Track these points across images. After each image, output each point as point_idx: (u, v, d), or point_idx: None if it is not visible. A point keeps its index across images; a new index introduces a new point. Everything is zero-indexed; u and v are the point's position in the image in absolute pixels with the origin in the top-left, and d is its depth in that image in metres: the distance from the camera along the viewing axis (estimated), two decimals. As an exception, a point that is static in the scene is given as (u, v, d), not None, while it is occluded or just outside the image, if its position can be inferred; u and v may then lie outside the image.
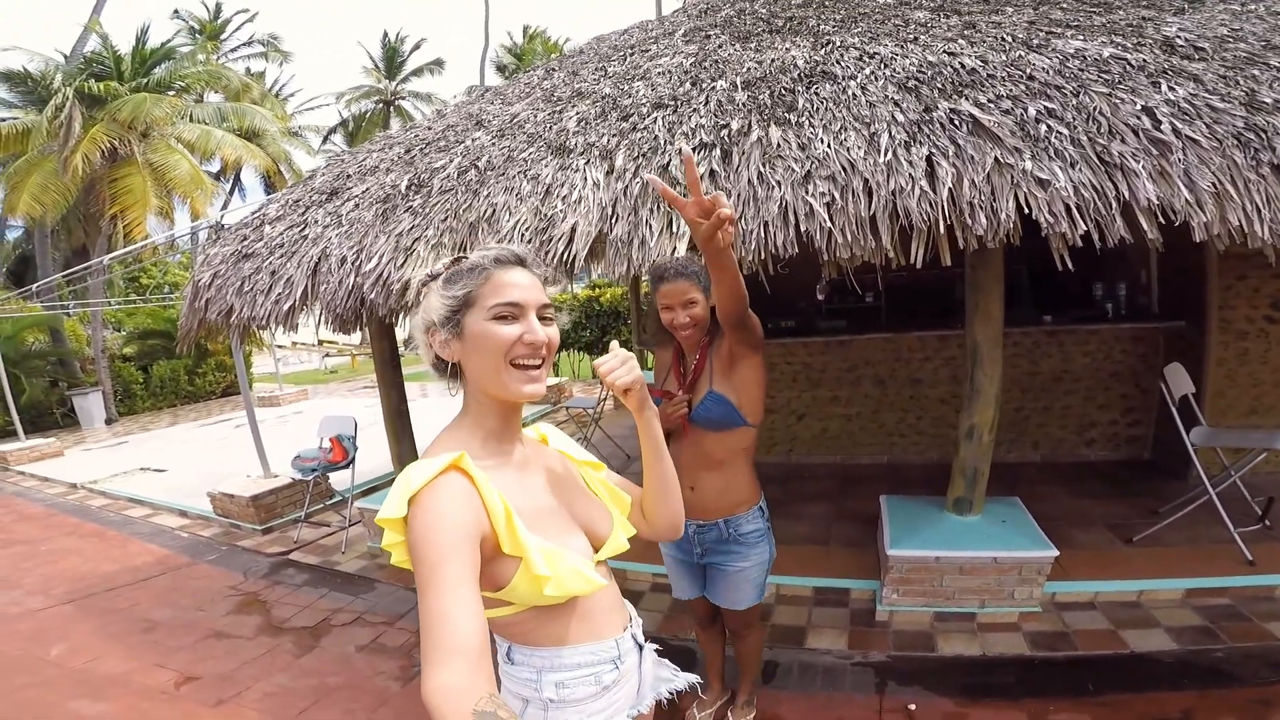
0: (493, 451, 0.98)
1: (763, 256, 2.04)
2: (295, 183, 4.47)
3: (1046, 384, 4.64)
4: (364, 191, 3.48)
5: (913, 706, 2.41)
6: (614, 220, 2.28)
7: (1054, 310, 4.62)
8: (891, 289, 5.60)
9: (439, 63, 20.66)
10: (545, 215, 2.43)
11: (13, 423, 8.08)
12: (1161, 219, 1.85)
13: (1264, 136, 1.92)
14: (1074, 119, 2.01)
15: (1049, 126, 1.98)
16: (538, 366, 0.95)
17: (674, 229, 2.14)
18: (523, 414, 1.07)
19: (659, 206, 2.22)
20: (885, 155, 2.01)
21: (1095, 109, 2.02)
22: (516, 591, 0.89)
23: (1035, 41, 2.50)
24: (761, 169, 2.16)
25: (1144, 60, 2.22)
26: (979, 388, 2.93)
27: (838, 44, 2.86)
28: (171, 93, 10.78)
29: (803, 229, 1.99)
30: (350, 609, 3.48)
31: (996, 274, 2.81)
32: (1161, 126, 1.92)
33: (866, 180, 1.99)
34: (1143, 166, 1.86)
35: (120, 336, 11.76)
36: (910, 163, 1.96)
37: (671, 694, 1.17)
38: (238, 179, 16.92)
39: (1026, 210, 1.83)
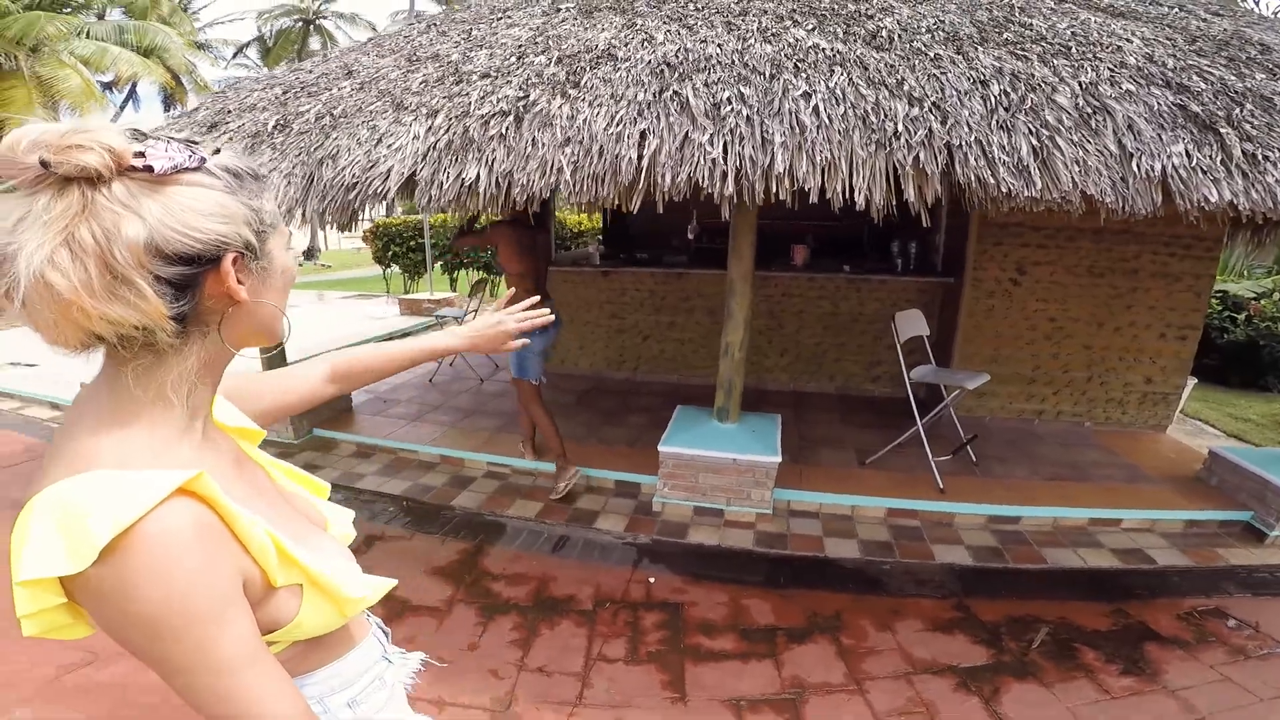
0: (212, 443, 0.71)
1: (526, 198, 2.74)
2: (180, 114, 4.81)
3: (845, 324, 5.55)
4: (239, 127, 3.94)
5: (652, 580, 2.95)
6: (422, 166, 2.93)
7: (855, 262, 5.54)
8: (761, 234, 6.33)
9: (363, -14, 19.85)
10: (372, 159, 3.04)
11: None
12: (790, 185, 2.62)
13: (882, 118, 2.66)
14: (758, 101, 2.72)
15: (733, 107, 2.70)
16: None
17: (463, 178, 2.81)
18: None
19: (456, 158, 2.88)
20: (616, 127, 2.72)
21: (776, 93, 2.75)
22: (302, 626, 0.70)
23: (772, 31, 3.16)
24: (536, 134, 2.84)
25: (837, 50, 2.94)
26: (732, 313, 3.68)
27: (638, 27, 3.44)
28: (68, 10, 10.45)
29: (551, 181, 2.70)
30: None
31: (749, 223, 3.58)
32: (803, 113, 2.65)
33: (603, 147, 2.71)
34: (784, 143, 2.61)
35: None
36: (630, 135, 2.69)
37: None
38: (133, 90, 16.27)
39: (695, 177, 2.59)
